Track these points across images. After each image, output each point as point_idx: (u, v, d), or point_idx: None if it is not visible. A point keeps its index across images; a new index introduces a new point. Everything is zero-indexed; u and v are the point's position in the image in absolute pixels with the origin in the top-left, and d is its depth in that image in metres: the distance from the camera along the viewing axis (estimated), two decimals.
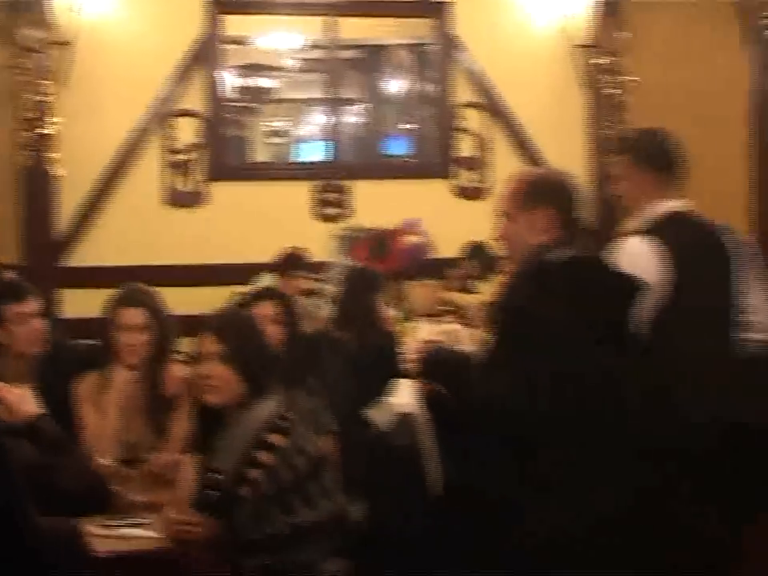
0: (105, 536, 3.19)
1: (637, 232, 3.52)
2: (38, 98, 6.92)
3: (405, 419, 4.74)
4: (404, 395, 4.86)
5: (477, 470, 3.08)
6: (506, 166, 7.28)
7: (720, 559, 3.26)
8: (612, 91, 7.78)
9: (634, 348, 3.09)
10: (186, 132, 7.41)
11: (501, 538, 2.92)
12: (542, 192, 3.22)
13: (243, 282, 6.22)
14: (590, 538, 2.85)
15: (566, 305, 2.92)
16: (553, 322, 2.90)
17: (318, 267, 6.59)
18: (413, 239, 7.19)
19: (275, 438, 3.21)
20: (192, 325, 3.58)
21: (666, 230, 3.47)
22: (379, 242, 6.98)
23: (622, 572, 2.85)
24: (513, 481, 2.91)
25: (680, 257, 3.40)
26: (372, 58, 9.53)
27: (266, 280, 6.31)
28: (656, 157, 3.67)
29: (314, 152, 9.50)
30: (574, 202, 3.23)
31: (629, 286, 3.12)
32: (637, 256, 3.38)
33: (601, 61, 7.77)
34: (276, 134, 10.10)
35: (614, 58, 7.79)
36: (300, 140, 10.29)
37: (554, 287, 2.96)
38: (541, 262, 3.06)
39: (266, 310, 4.22)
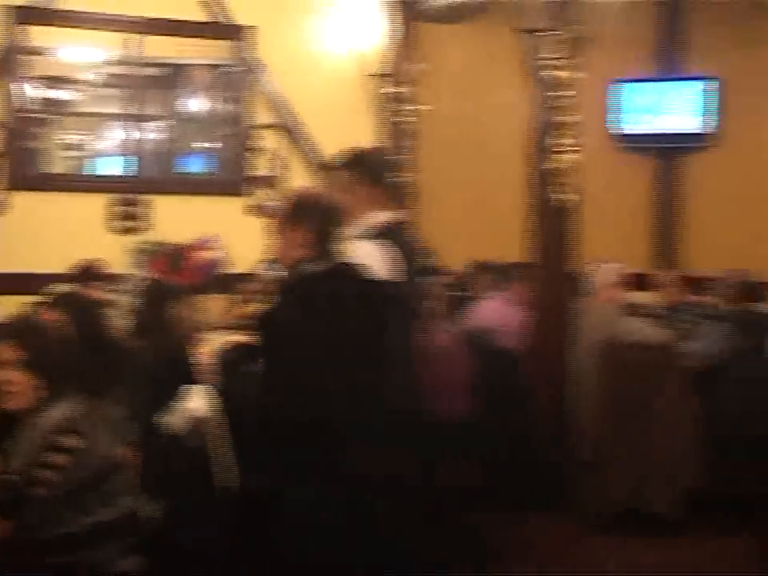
0: None
1: (363, 237, 3.94)
2: None
3: (197, 423, 4.89)
4: (196, 400, 5.01)
5: (264, 468, 3.33)
6: (301, 186, 7.48)
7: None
8: (403, 119, 8.10)
9: (386, 348, 3.43)
10: None
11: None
12: (302, 211, 3.55)
13: (39, 292, 6.20)
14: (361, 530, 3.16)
15: (319, 313, 3.24)
16: (306, 330, 3.21)
17: (115, 279, 6.65)
18: (208, 254, 7.36)
19: (68, 440, 3.29)
20: None
21: (387, 237, 3.89)
22: (175, 256, 7.11)
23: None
24: (293, 477, 3.19)
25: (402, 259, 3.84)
26: (174, 77, 9.51)
27: (62, 290, 6.30)
28: (375, 173, 4.11)
29: (112, 166, 9.48)
30: (332, 219, 3.56)
31: (379, 291, 3.48)
32: (370, 257, 3.78)
33: (394, 89, 8.05)
34: (74, 146, 10.02)
35: (407, 88, 8.08)
36: (99, 154, 10.23)
37: (307, 298, 3.27)
38: (296, 276, 3.39)
39: (59, 316, 4.31)
